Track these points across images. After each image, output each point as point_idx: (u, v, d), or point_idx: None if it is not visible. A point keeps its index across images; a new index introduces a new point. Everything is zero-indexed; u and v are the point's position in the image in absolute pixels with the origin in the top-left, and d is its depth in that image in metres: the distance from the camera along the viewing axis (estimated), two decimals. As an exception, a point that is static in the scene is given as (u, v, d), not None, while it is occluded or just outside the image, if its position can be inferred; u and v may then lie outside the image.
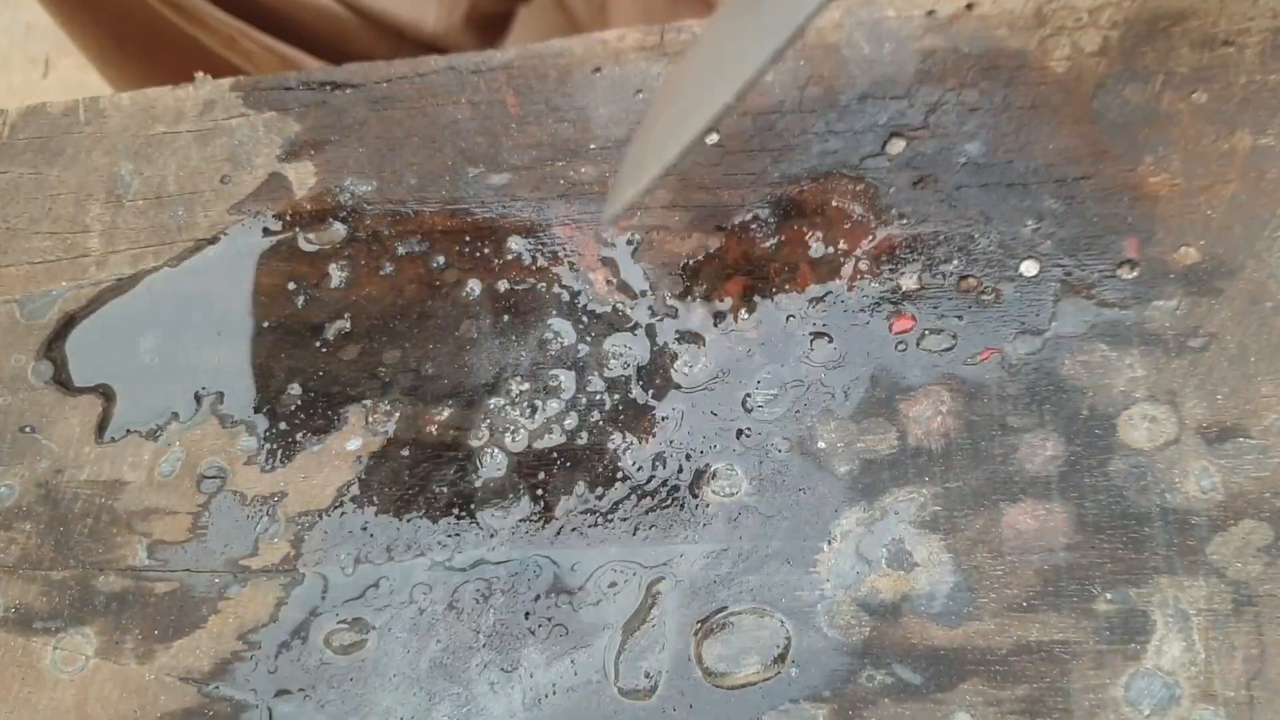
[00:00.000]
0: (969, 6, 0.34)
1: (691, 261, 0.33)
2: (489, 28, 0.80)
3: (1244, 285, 0.30)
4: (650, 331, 0.32)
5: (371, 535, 0.31)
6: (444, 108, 0.35)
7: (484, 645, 0.29)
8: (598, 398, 0.32)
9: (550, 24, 0.82)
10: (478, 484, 0.31)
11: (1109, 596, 0.27)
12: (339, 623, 0.30)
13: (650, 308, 0.32)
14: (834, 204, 0.32)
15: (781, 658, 0.28)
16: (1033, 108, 0.32)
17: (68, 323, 0.35)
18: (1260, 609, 0.27)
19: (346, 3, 0.68)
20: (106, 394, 0.34)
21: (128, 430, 0.33)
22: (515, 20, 0.86)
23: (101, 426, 0.34)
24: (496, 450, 0.31)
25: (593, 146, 0.34)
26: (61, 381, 0.34)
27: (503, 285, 0.33)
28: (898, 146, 0.33)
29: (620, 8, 0.74)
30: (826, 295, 0.31)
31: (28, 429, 0.34)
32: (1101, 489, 0.28)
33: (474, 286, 0.33)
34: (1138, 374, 0.29)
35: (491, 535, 0.30)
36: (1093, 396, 0.29)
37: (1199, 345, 0.29)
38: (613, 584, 0.29)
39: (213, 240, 0.35)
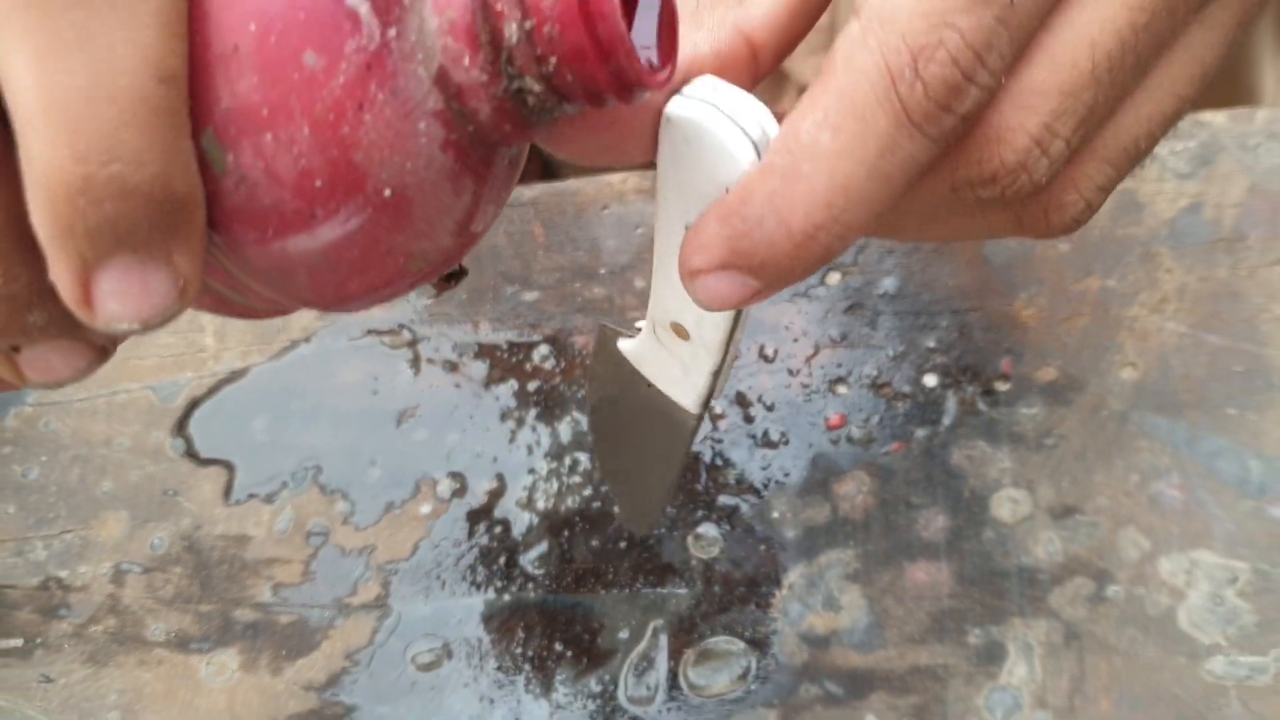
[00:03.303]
0: (892, 166, 0.43)
1: (678, 365, 0.43)
2: None
3: (1088, 398, 0.40)
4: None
5: (440, 579, 0.42)
6: (488, 237, 0.45)
7: (527, 665, 0.40)
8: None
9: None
10: (518, 539, 0.42)
11: (977, 632, 0.38)
12: (420, 646, 0.41)
13: (647, 403, 0.43)
14: (785, 323, 0.43)
15: (744, 676, 0.39)
16: (937, 251, 0.42)
17: (193, 406, 0.45)
18: (1083, 642, 0.37)
19: None
20: (229, 466, 0.44)
21: (249, 495, 0.44)
22: None
23: (227, 491, 0.44)
24: (531, 513, 0.42)
25: (603, 271, 0.45)
26: (193, 455, 0.45)
27: (533, 385, 0.43)
28: (835, 279, 0.43)
29: None
30: (779, 396, 0.42)
31: (170, 492, 0.44)
32: (976, 552, 0.39)
33: (513, 384, 0.44)
34: (1006, 465, 0.40)
35: (530, 580, 0.41)
36: (973, 481, 0.40)
37: (1052, 444, 0.40)
38: (622, 619, 0.40)
39: (306, 340, 0.45)
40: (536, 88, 0.22)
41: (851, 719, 0.38)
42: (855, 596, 0.39)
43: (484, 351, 0.44)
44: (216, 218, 0.21)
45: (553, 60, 0.22)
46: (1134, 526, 0.38)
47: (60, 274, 0.20)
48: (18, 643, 0.42)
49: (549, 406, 0.43)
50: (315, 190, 0.21)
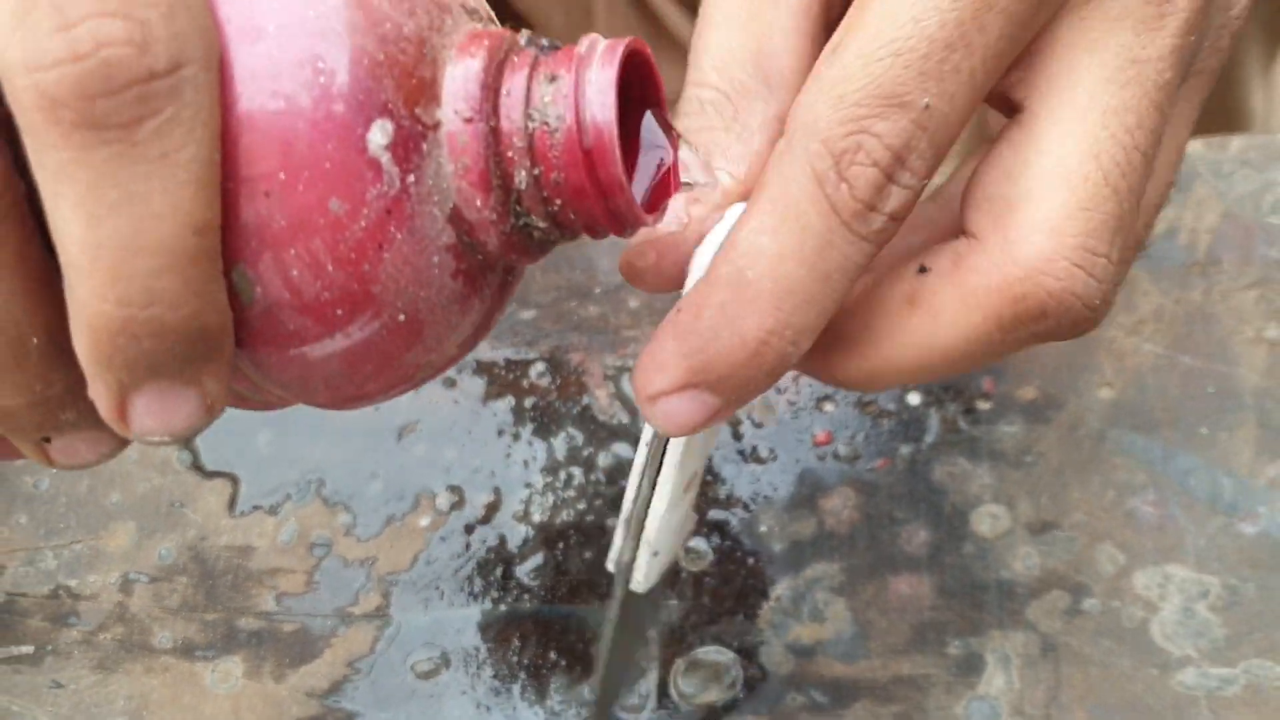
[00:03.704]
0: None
1: (671, 383, 0.44)
2: None
3: (1067, 417, 0.41)
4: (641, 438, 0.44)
5: (439, 589, 0.43)
6: (483, 256, 0.47)
7: (522, 673, 0.41)
8: (601, 488, 0.43)
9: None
10: (514, 551, 0.43)
11: (957, 644, 0.39)
12: (419, 655, 0.42)
13: (640, 420, 0.44)
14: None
15: (733, 685, 0.40)
16: (922, 274, 0.44)
17: (200, 419, 0.47)
18: (1059, 653, 0.39)
19: None
20: (234, 478, 0.46)
21: (254, 506, 0.45)
22: None
23: (233, 503, 0.45)
24: (526, 526, 0.43)
25: (598, 290, 0.46)
26: (199, 467, 0.46)
27: (530, 401, 0.45)
28: (823, 299, 0.44)
29: None
30: (768, 413, 0.43)
31: (177, 504, 0.45)
32: (956, 566, 0.40)
33: (510, 400, 0.45)
34: (986, 481, 0.41)
35: (525, 591, 0.42)
36: (954, 497, 0.41)
37: (1031, 461, 0.41)
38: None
39: (308, 356, 0.47)
40: (542, 224, 0.24)
41: (835, 727, 0.39)
42: (840, 608, 0.40)
43: (482, 368, 0.45)
44: (242, 338, 0.23)
45: (558, 202, 0.24)
46: (1110, 541, 0.40)
47: (98, 394, 0.22)
48: (29, 649, 0.44)
49: (545, 423, 0.45)
50: (336, 318, 0.23)
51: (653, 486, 0.31)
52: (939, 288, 0.26)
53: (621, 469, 0.44)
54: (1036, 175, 0.25)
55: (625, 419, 0.44)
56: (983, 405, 0.42)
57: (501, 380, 0.45)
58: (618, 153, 0.23)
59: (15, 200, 0.21)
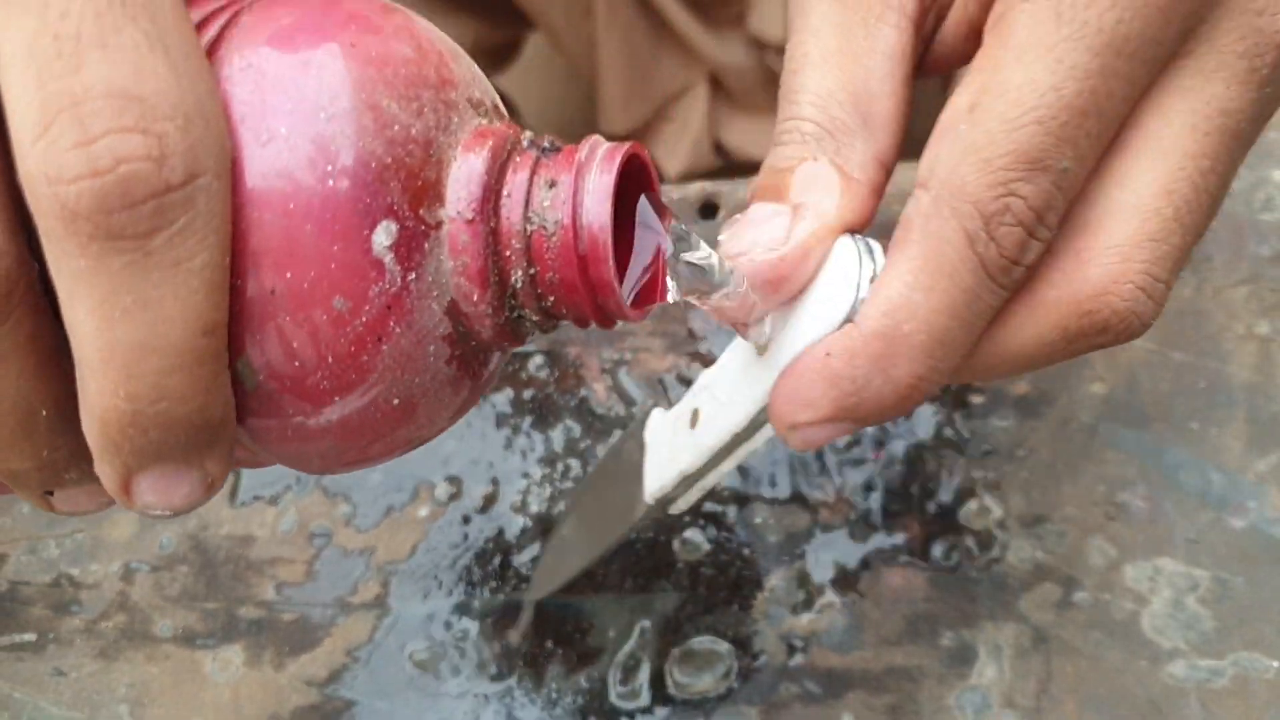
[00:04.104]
0: (874, 186, 0.45)
1: (666, 376, 0.45)
2: (496, 56, 0.88)
3: (1058, 412, 0.42)
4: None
5: (438, 579, 0.43)
6: (482, 250, 0.47)
7: (519, 662, 0.42)
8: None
9: (549, 64, 0.91)
10: (511, 541, 0.43)
11: (949, 635, 0.40)
12: (417, 644, 0.43)
13: (635, 412, 0.44)
14: (772, 336, 0.45)
15: (727, 675, 0.41)
16: (917, 269, 0.44)
17: (201, 410, 0.47)
18: (1050, 644, 0.39)
19: None
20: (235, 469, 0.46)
21: (254, 497, 0.45)
22: (526, 47, 0.92)
23: (233, 493, 0.46)
24: (524, 516, 0.44)
25: (595, 284, 0.46)
26: (200, 457, 0.46)
27: (528, 393, 0.45)
28: (819, 294, 0.45)
29: (607, 53, 0.83)
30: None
31: (178, 494, 0.46)
32: (949, 558, 0.41)
33: (508, 393, 0.45)
34: (979, 475, 0.42)
35: (523, 581, 0.43)
36: (947, 490, 0.42)
37: (1023, 454, 0.42)
38: (610, 620, 0.42)
39: (309, 348, 0.47)
40: (534, 316, 0.26)
41: (829, 717, 0.39)
42: (834, 599, 0.41)
43: (481, 361, 0.46)
44: (242, 416, 0.24)
45: (551, 298, 0.25)
46: (1101, 535, 0.40)
47: (104, 473, 0.23)
48: (31, 637, 0.44)
49: (543, 414, 0.45)
50: (334, 404, 0.24)
51: (727, 455, 0.33)
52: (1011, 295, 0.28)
53: (618, 461, 0.44)
54: (1115, 204, 0.27)
55: (621, 411, 0.44)
56: (975, 399, 0.42)
57: (500, 372, 0.45)
58: (610, 258, 0.24)
59: (30, 284, 0.22)
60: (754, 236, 0.28)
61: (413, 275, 0.24)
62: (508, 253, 0.25)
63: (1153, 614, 0.39)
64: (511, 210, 0.25)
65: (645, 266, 0.27)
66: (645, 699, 0.40)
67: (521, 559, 0.43)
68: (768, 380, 0.29)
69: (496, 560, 0.43)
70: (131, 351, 0.21)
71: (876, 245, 0.28)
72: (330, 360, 0.23)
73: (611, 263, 0.25)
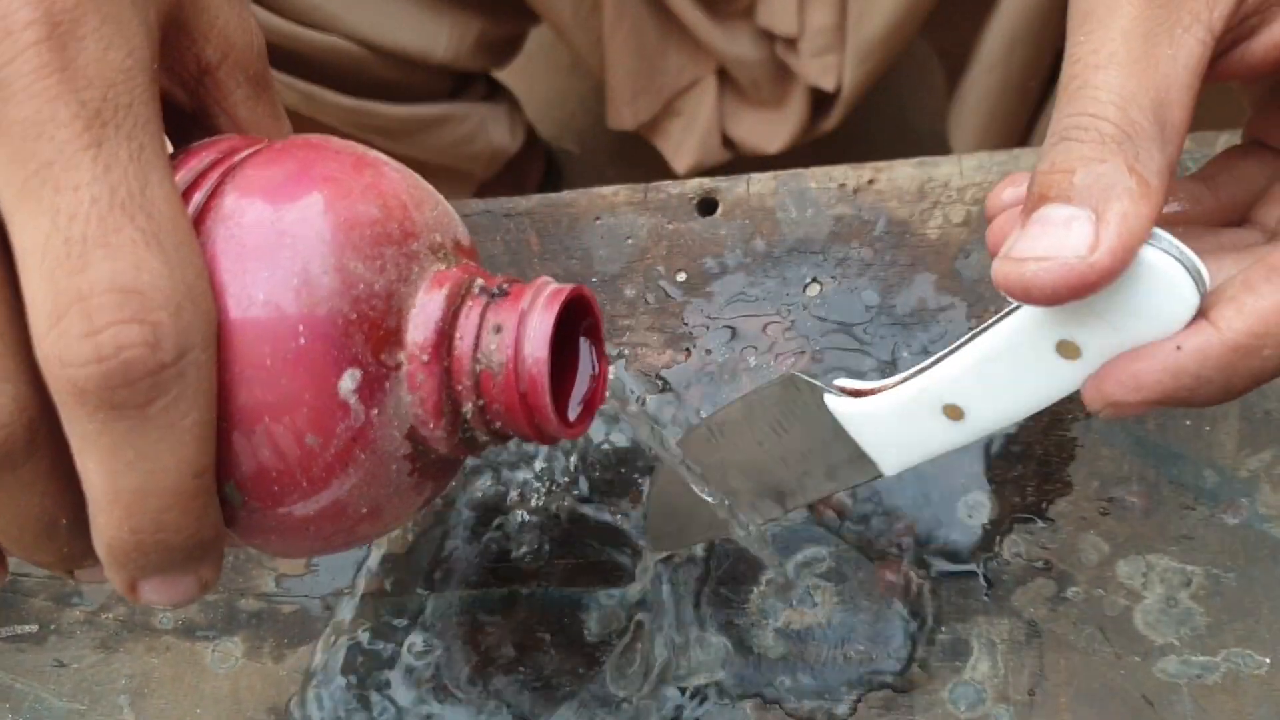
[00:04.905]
0: (870, 182, 0.45)
1: (663, 371, 0.45)
2: (499, 50, 0.88)
3: (1052, 407, 0.42)
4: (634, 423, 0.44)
5: (438, 573, 0.44)
6: (483, 243, 0.47)
7: (516, 653, 0.42)
8: (596, 474, 0.44)
9: (554, 54, 0.92)
10: (511, 535, 0.44)
11: (944, 629, 0.40)
12: (416, 636, 0.43)
13: (632, 407, 0.45)
14: (765, 330, 0.45)
15: (723, 666, 0.41)
16: (911, 264, 0.44)
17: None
18: (1043, 640, 0.40)
19: (359, 41, 0.76)
20: (236, 461, 0.46)
21: (254, 490, 0.46)
22: (527, 41, 0.92)
23: (234, 486, 0.46)
24: (524, 512, 0.44)
25: (594, 279, 0.47)
26: (201, 450, 0.47)
27: (527, 388, 0.46)
28: (814, 290, 0.45)
29: (615, 48, 0.83)
30: (762, 401, 0.44)
31: (179, 487, 0.46)
32: (944, 553, 0.41)
33: (506, 387, 0.46)
34: (974, 470, 0.42)
35: (521, 572, 0.43)
36: (941, 485, 0.42)
37: (1018, 451, 0.42)
38: (608, 612, 0.42)
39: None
40: (483, 437, 0.30)
41: (824, 710, 0.40)
42: (829, 595, 0.41)
43: (479, 356, 0.46)
44: (231, 524, 0.28)
45: (497, 423, 0.30)
46: (1094, 531, 0.40)
47: (113, 578, 0.28)
48: (33, 628, 0.44)
49: (541, 409, 0.45)
50: (309, 516, 0.28)
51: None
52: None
53: (618, 455, 0.44)
54: None
55: (620, 408, 0.45)
56: (971, 396, 0.43)
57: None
58: (547, 394, 0.29)
59: (51, 428, 0.25)
60: (1054, 242, 0.28)
61: (375, 410, 0.28)
62: (459, 387, 0.29)
63: (1146, 610, 0.39)
64: (463, 352, 0.29)
65: (587, 389, 0.33)
66: (643, 691, 0.41)
67: (521, 552, 0.43)
68: (1069, 377, 0.31)
69: (495, 553, 0.43)
70: (133, 495, 0.25)
71: (1184, 245, 0.28)
72: (305, 484, 0.27)
73: (548, 398, 0.29)
